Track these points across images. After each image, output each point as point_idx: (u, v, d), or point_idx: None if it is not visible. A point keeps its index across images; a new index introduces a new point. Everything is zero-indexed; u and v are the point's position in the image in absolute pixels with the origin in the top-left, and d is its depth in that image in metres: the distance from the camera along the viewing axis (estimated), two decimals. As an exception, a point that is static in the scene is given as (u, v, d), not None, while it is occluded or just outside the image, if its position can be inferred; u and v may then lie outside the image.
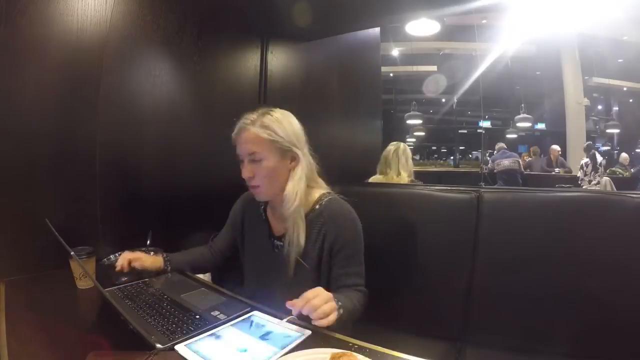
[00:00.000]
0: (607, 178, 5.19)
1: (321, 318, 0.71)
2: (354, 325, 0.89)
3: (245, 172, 0.96)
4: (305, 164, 0.98)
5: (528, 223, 1.13)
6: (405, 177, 2.19)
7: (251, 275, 1.11)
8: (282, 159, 0.96)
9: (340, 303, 0.78)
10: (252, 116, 0.96)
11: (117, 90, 1.28)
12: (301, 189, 0.96)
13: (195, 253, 1.18)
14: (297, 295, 0.74)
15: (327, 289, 0.80)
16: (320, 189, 1.03)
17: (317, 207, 0.99)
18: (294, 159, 0.97)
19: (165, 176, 1.45)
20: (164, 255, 1.09)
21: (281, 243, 1.01)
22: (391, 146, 2.28)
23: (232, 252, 1.18)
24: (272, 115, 0.96)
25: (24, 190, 1.05)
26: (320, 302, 0.72)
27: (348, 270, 0.95)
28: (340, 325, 0.76)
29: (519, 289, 1.09)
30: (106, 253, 1.17)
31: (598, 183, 5.09)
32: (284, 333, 0.72)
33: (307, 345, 0.67)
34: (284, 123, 0.96)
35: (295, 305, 0.72)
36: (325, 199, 1.00)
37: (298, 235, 0.95)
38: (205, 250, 1.19)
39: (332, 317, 0.73)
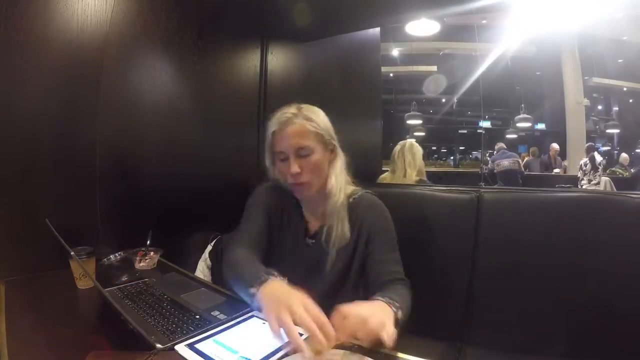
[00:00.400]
0: (607, 178, 5.20)
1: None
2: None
3: (294, 168, 0.89)
4: (341, 156, 0.98)
5: (528, 223, 1.13)
6: (412, 176, 2.06)
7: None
8: (324, 151, 0.94)
9: (397, 304, 0.73)
10: (291, 110, 0.92)
11: (117, 90, 1.28)
12: (343, 181, 0.95)
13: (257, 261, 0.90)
14: (333, 292, 0.72)
15: (361, 278, 0.78)
16: (351, 185, 1.01)
17: (351, 200, 0.97)
18: (333, 151, 0.96)
19: (165, 176, 1.45)
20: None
21: (313, 240, 0.98)
22: (398, 145, 2.17)
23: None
24: (308, 108, 0.94)
25: (24, 190, 1.05)
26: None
27: (388, 257, 0.92)
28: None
29: (519, 289, 1.09)
30: (106, 253, 1.17)
31: (598, 183, 5.10)
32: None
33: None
34: (320, 115, 0.95)
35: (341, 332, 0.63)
36: (359, 193, 0.99)
37: (342, 228, 0.93)
38: (256, 257, 0.93)
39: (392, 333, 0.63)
